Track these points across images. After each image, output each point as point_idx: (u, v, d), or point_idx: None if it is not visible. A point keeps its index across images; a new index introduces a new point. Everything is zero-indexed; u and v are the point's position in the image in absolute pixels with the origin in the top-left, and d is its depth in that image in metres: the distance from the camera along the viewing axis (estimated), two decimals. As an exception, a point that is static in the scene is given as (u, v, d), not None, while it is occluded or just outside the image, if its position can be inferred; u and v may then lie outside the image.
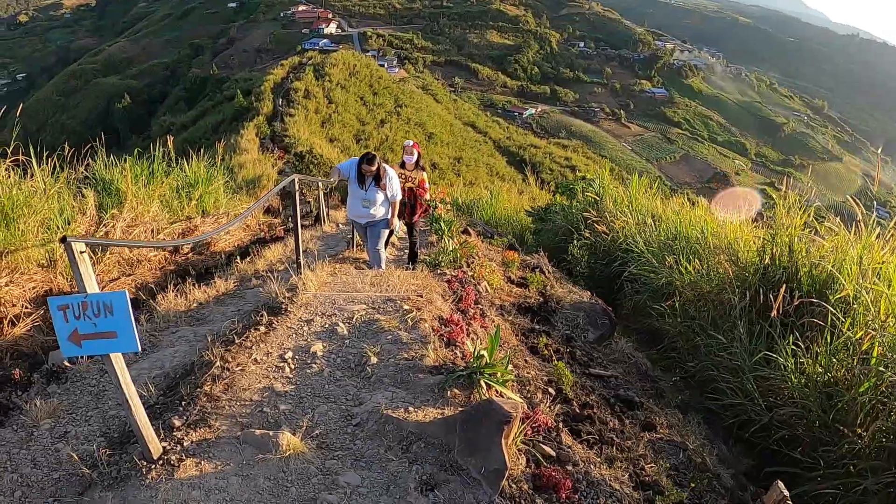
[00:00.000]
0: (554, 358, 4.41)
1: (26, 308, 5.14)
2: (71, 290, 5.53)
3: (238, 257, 8.09)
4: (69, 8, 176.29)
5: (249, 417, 3.38)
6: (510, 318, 5.39)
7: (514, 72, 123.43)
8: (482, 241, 9.55)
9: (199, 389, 3.56)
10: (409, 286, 5.36)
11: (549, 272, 7.96)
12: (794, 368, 4.84)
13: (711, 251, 7.70)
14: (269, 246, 8.51)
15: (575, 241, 8.89)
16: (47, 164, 6.41)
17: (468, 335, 4.03)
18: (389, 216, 7.20)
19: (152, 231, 7.12)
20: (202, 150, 11.27)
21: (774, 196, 6.45)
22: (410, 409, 3.36)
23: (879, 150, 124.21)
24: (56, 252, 5.64)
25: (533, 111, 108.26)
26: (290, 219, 4.95)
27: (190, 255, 7.29)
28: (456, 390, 3.50)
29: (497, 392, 3.46)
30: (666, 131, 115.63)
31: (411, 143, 8.29)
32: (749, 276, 6.14)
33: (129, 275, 6.07)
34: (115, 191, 7.09)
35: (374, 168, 6.72)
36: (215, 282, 6.04)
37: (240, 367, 3.84)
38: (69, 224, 6.11)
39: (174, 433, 3.19)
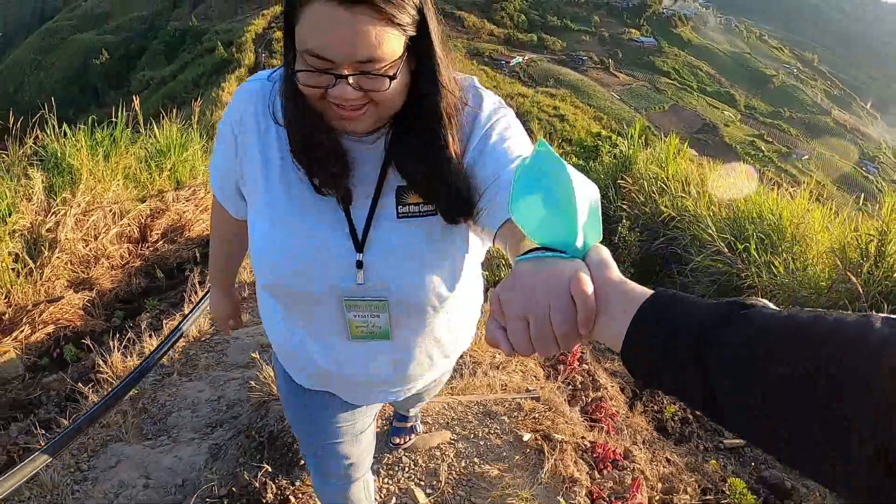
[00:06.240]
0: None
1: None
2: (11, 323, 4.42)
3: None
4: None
5: None
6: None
7: (500, 19, 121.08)
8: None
9: None
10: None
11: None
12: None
13: (791, 242, 6.66)
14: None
15: (625, 221, 7.86)
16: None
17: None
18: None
19: (114, 215, 5.98)
20: (178, 109, 9.98)
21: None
22: None
23: (868, 104, 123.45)
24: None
25: (520, 59, 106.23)
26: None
27: (160, 243, 6.18)
28: None
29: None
30: (655, 81, 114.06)
31: None
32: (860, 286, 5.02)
33: (84, 283, 4.94)
34: (67, 168, 5.89)
35: None
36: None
37: None
38: (10, 216, 4.96)
39: None
